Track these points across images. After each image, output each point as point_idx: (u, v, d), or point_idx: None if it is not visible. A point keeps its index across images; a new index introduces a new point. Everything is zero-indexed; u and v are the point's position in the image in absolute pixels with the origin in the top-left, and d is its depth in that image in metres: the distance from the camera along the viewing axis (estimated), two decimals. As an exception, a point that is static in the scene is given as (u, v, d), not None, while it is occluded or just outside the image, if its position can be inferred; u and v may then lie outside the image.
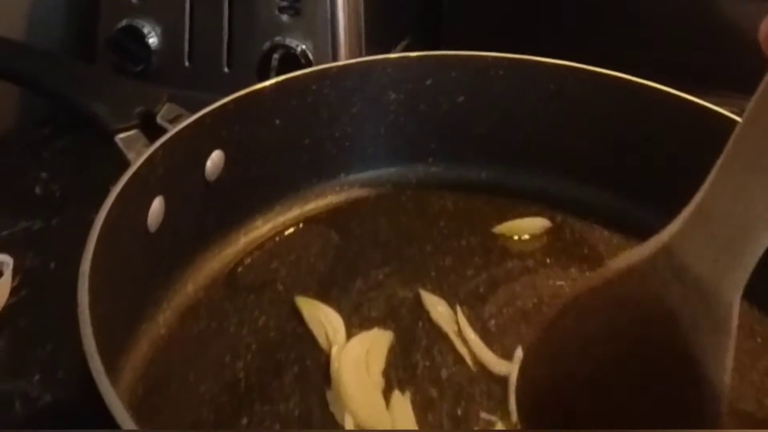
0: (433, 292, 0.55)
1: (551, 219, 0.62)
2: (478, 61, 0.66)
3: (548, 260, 0.59)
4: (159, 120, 0.57)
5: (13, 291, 0.57)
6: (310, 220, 0.62)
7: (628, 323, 0.35)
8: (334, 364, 0.49)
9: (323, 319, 0.52)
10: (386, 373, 0.49)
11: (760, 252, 0.31)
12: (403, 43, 0.85)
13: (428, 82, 0.66)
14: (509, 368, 0.49)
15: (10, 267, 0.57)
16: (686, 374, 0.34)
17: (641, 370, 0.36)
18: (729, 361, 0.33)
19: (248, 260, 0.58)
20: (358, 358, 0.49)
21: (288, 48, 0.76)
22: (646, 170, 0.62)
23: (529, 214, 0.63)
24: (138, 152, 0.52)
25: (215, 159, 0.56)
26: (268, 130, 0.60)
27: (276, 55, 0.76)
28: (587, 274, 0.37)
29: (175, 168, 0.53)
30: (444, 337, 0.52)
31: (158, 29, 0.78)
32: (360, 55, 0.75)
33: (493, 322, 0.53)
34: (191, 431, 0.46)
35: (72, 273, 0.41)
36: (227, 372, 0.49)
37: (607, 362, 0.36)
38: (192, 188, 0.55)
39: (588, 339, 0.37)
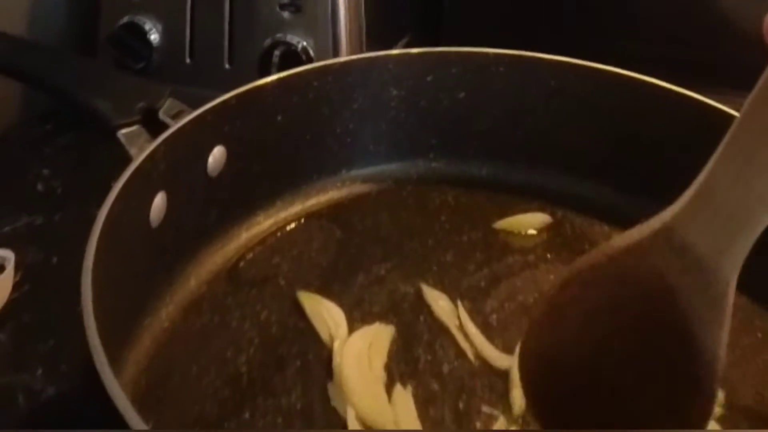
0: (435, 286, 0.55)
1: (552, 214, 0.63)
2: (479, 57, 0.66)
3: (549, 255, 0.59)
4: (161, 116, 0.57)
5: (16, 286, 0.57)
6: (311, 216, 0.62)
7: (628, 298, 0.36)
8: (336, 359, 0.49)
9: (325, 313, 0.52)
10: (388, 367, 0.49)
11: (758, 232, 0.32)
12: (404, 41, 0.85)
13: (429, 78, 0.66)
14: (510, 362, 0.49)
15: (12, 262, 0.57)
16: (683, 347, 0.35)
17: (640, 344, 0.36)
18: (724, 336, 0.34)
19: (250, 255, 0.58)
20: (360, 353, 0.49)
21: (289, 45, 0.76)
22: (646, 166, 0.62)
23: (530, 210, 0.63)
24: (140, 148, 0.52)
25: (217, 154, 0.57)
26: (269, 126, 0.60)
27: (277, 52, 0.76)
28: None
29: (177, 163, 0.53)
30: (445, 331, 0.52)
31: (159, 26, 0.78)
32: (361, 53, 0.76)
33: (494, 316, 0.53)
34: (195, 429, 0.45)
35: (74, 268, 0.41)
36: (230, 366, 0.49)
37: (607, 336, 0.37)
38: (194, 184, 0.55)
39: (589, 313, 0.38)
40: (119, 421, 0.35)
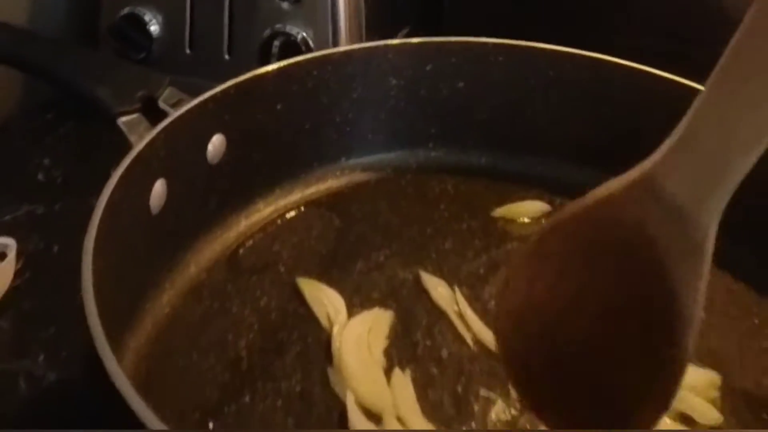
0: (434, 273, 0.56)
1: (550, 202, 0.63)
2: (478, 47, 0.66)
3: (547, 242, 0.59)
4: (161, 104, 0.57)
5: (17, 274, 0.58)
6: (311, 204, 0.62)
7: (606, 249, 0.36)
8: (336, 343, 0.49)
9: (325, 299, 0.53)
10: (387, 352, 0.50)
11: (738, 179, 0.32)
12: (404, 32, 0.85)
13: (428, 67, 0.66)
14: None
15: (14, 250, 0.57)
16: (661, 298, 0.34)
17: (618, 295, 0.36)
18: (703, 287, 0.34)
19: (250, 242, 0.58)
20: (359, 337, 0.49)
21: (288, 35, 0.76)
22: (644, 155, 0.62)
23: (529, 198, 0.63)
24: (140, 135, 0.52)
25: (217, 143, 0.57)
26: (269, 115, 0.61)
27: (276, 43, 0.76)
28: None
29: (177, 151, 0.53)
30: (444, 317, 0.52)
31: (159, 17, 0.79)
32: (360, 43, 0.76)
33: (493, 302, 0.53)
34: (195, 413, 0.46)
35: (75, 256, 0.41)
36: (230, 351, 0.49)
37: (584, 288, 0.37)
38: (194, 171, 0.56)
39: (566, 266, 0.38)
40: (121, 405, 0.35)
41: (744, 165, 0.32)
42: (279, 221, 0.60)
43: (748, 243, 0.55)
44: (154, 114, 0.56)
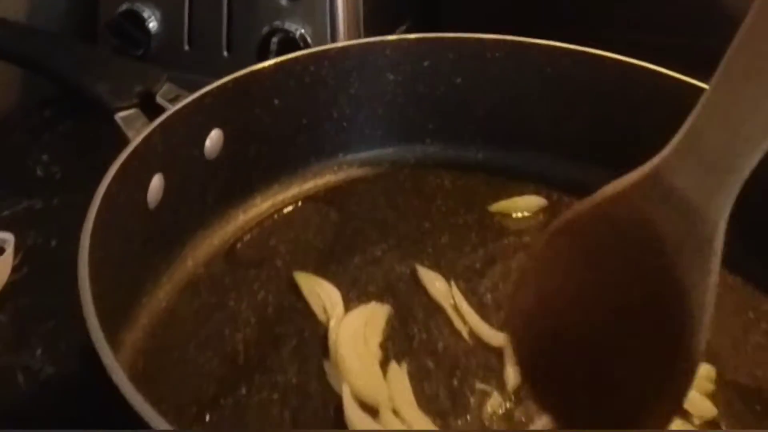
0: (431, 268, 0.56)
1: (547, 197, 0.63)
2: (476, 43, 0.66)
3: (544, 237, 0.59)
4: (158, 99, 0.57)
5: (15, 268, 0.58)
6: (308, 199, 0.63)
7: (616, 246, 0.36)
8: (332, 336, 0.49)
9: (321, 293, 0.53)
10: (383, 345, 0.50)
11: (745, 174, 0.32)
12: (402, 29, 0.85)
13: (426, 63, 0.66)
14: (505, 340, 0.49)
15: (12, 244, 0.58)
16: (671, 295, 0.35)
17: (628, 292, 0.36)
18: (713, 284, 0.34)
19: (247, 237, 0.58)
20: (355, 331, 0.50)
21: (287, 32, 0.76)
22: (641, 150, 0.62)
23: (526, 193, 0.63)
24: (137, 131, 0.52)
25: (214, 138, 0.57)
26: (266, 110, 0.61)
27: (275, 39, 0.76)
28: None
29: (174, 146, 0.53)
30: (441, 311, 0.53)
31: (158, 13, 0.79)
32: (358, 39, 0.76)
33: (489, 296, 0.54)
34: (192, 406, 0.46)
35: (73, 251, 0.41)
36: (227, 344, 0.50)
37: (595, 286, 0.37)
38: (191, 166, 0.56)
39: (577, 263, 0.38)
40: (117, 398, 0.35)
41: (750, 160, 0.32)
42: (276, 216, 0.61)
43: (743, 238, 0.55)
44: (151, 109, 0.56)
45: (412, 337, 0.50)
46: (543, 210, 0.62)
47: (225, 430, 0.45)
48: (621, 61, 0.63)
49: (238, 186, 0.60)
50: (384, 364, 0.48)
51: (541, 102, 0.66)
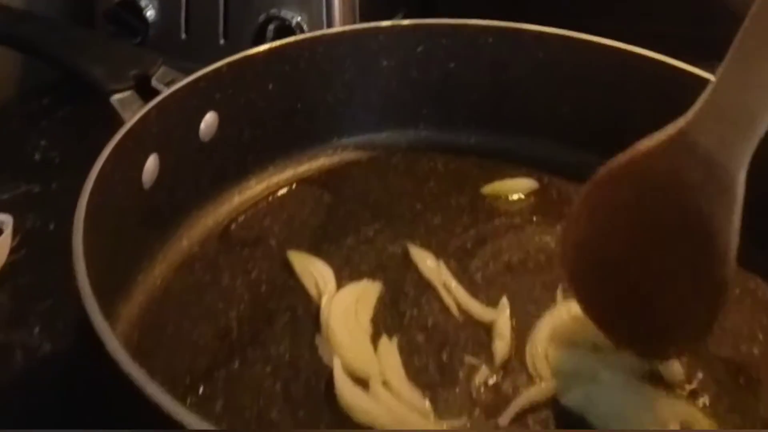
0: (422, 247, 0.56)
1: (539, 180, 0.64)
2: (469, 29, 0.67)
3: (534, 218, 0.60)
4: (154, 82, 0.58)
5: (14, 249, 0.59)
6: (303, 181, 0.63)
7: (650, 194, 0.42)
8: (324, 312, 0.50)
9: (314, 271, 0.54)
10: (374, 321, 0.51)
11: (761, 132, 0.38)
12: (398, 17, 0.86)
13: (419, 49, 0.67)
14: (494, 315, 0.50)
15: (10, 225, 0.58)
16: (701, 233, 0.40)
17: (665, 230, 0.43)
18: (736, 221, 0.40)
19: (242, 218, 0.59)
20: (347, 307, 0.50)
21: (283, 20, 0.77)
22: (632, 135, 0.63)
23: (518, 176, 0.64)
24: (133, 113, 0.53)
25: (209, 120, 0.58)
26: (261, 94, 0.62)
27: (271, 27, 0.77)
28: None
29: (169, 128, 0.54)
30: (431, 288, 0.53)
31: (155, 1, 0.80)
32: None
33: (479, 274, 0.55)
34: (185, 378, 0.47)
35: (71, 233, 0.42)
36: (220, 320, 0.50)
37: (635, 226, 0.44)
38: (186, 148, 0.57)
39: (618, 207, 0.44)
40: (112, 368, 0.36)
41: (765, 120, 0.37)
42: (271, 198, 0.62)
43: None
44: (147, 92, 0.57)
45: (403, 314, 0.51)
46: (534, 192, 0.63)
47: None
48: (613, 46, 0.63)
49: (233, 168, 0.61)
50: (375, 339, 0.49)
51: (534, 87, 0.67)
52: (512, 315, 0.51)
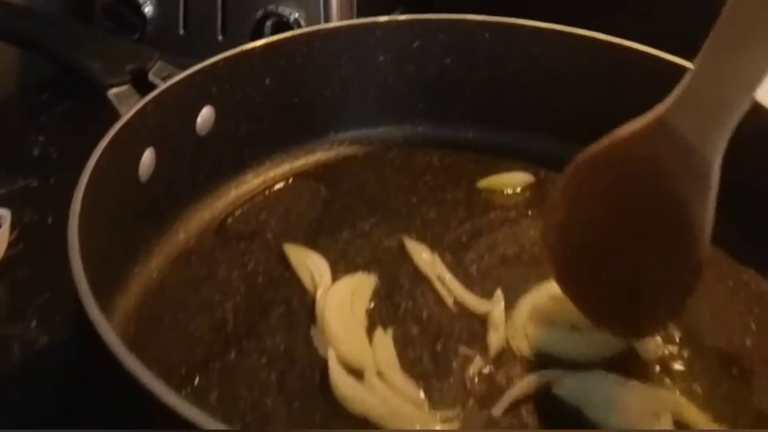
0: (418, 240, 0.57)
1: (534, 174, 0.64)
2: (465, 24, 0.67)
3: (530, 212, 0.60)
4: (151, 77, 0.58)
5: (12, 244, 0.59)
6: (299, 176, 0.64)
7: (629, 179, 0.43)
8: (320, 304, 0.50)
9: (310, 264, 0.54)
10: (370, 313, 0.51)
11: (736, 120, 0.39)
12: (396, 13, 0.86)
13: (416, 44, 0.68)
14: (488, 307, 0.51)
15: (8, 220, 0.59)
16: (677, 216, 0.42)
17: (643, 213, 0.43)
18: (711, 208, 0.41)
19: (238, 212, 0.60)
20: (342, 299, 0.51)
21: (281, 16, 0.77)
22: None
23: (514, 170, 0.64)
24: (130, 107, 0.53)
25: (206, 115, 0.58)
26: (258, 89, 0.62)
27: (269, 23, 0.77)
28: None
29: (166, 122, 0.55)
30: (426, 281, 0.53)
31: (154, -2, 0.80)
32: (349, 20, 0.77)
33: (474, 267, 0.55)
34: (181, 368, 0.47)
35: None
36: (216, 312, 0.51)
37: (615, 207, 0.45)
38: (183, 142, 0.57)
39: (598, 188, 0.45)
40: (108, 359, 0.36)
41: (740, 108, 0.39)
42: (267, 192, 0.62)
43: (727, 212, 0.57)
44: (144, 87, 0.57)
45: (398, 306, 0.51)
46: (530, 186, 0.63)
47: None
48: (609, 41, 0.64)
49: (230, 162, 0.61)
50: (369, 331, 0.49)
51: (530, 82, 0.67)
52: (507, 307, 0.51)
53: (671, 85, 0.59)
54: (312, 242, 0.56)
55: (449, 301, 0.52)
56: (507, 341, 0.49)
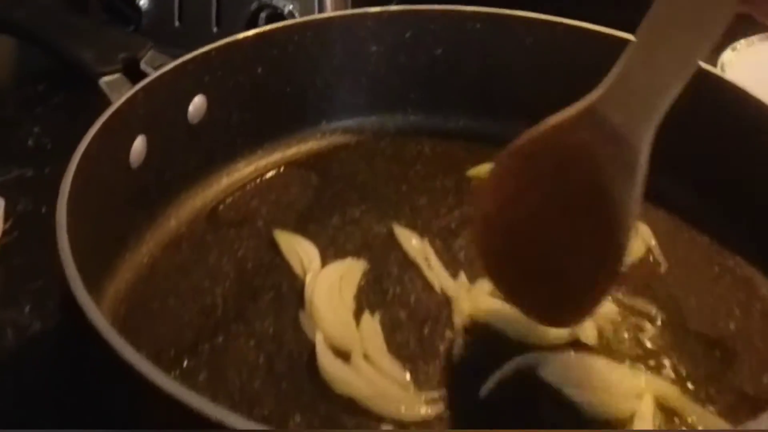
0: (407, 227, 0.57)
1: (525, 163, 0.64)
2: (456, 14, 0.68)
3: (519, 199, 0.61)
4: (142, 66, 0.59)
5: (6, 232, 0.60)
6: (291, 164, 0.64)
7: (559, 164, 0.43)
8: (308, 289, 0.51)
9: (300, 249, 0.54)
10: (358, 298, 0.51)
11: (664, 110, 0.39)
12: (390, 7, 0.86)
13: (408, 34, 0.68)
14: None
15: (2, 207, 0.59)
16: (603, 203, 0.41)
17: (572, 199, 0.43)
18: (637, 196, 0.41)
19: (230, 199, 0.60)
20: (331, 283, 0.51)
21: (275, 8, 0.78)
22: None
23: (504, 158, 0.64)
24: (121, 95, 0.54)
25: (197, 103, 0.59)
26: (250, 78, 0.63)
27: (263, 15, 0.78)
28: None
29: (157, 109, 0.55)
30: (415, 267, 0.54)
31: (148, -10, 0.81)
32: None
33: (462, 253, 0.55)
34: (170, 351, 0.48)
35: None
36: (206, 297, 0.51)
37: (543, 195, 0.44)
38: (174, 130, 0.58)
39: (528, 177, 0.45)
40: (96, 340, 0.36)
41: (666, 99, 0.39)
42: (259, 180, 0.62)
43: (713, 199, 0.57)
44: (136, 76, 0.58)
45: (386, 291, 0.52)
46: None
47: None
48: (600, 32, 0.64)
49: (222, 151, 0.62)
50: (357, 315, 0.50)
51: (521, 72, 0.68)
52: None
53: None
54: (302, 229, 0.57)
55: (437, 287, 0.52)
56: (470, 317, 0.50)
